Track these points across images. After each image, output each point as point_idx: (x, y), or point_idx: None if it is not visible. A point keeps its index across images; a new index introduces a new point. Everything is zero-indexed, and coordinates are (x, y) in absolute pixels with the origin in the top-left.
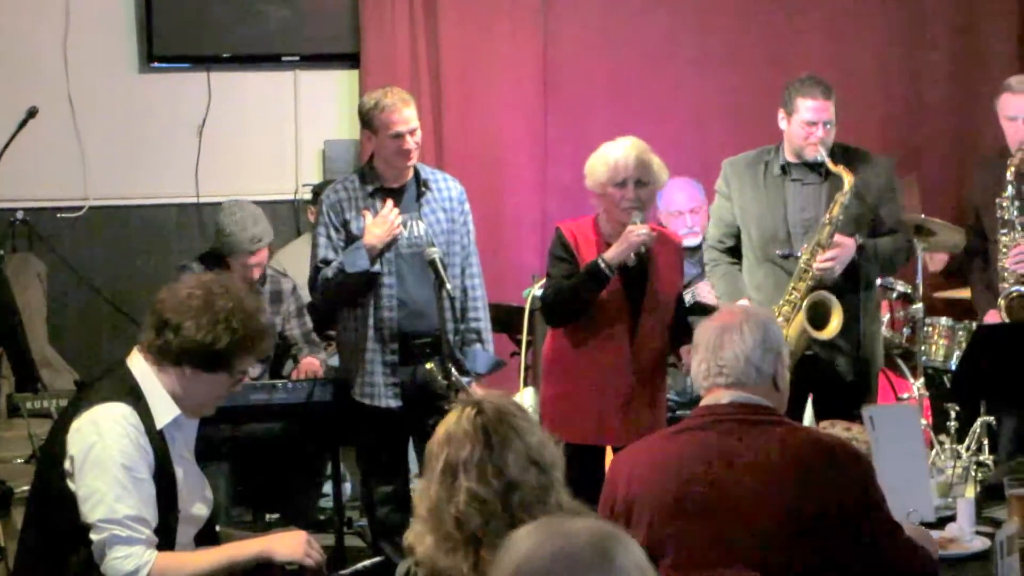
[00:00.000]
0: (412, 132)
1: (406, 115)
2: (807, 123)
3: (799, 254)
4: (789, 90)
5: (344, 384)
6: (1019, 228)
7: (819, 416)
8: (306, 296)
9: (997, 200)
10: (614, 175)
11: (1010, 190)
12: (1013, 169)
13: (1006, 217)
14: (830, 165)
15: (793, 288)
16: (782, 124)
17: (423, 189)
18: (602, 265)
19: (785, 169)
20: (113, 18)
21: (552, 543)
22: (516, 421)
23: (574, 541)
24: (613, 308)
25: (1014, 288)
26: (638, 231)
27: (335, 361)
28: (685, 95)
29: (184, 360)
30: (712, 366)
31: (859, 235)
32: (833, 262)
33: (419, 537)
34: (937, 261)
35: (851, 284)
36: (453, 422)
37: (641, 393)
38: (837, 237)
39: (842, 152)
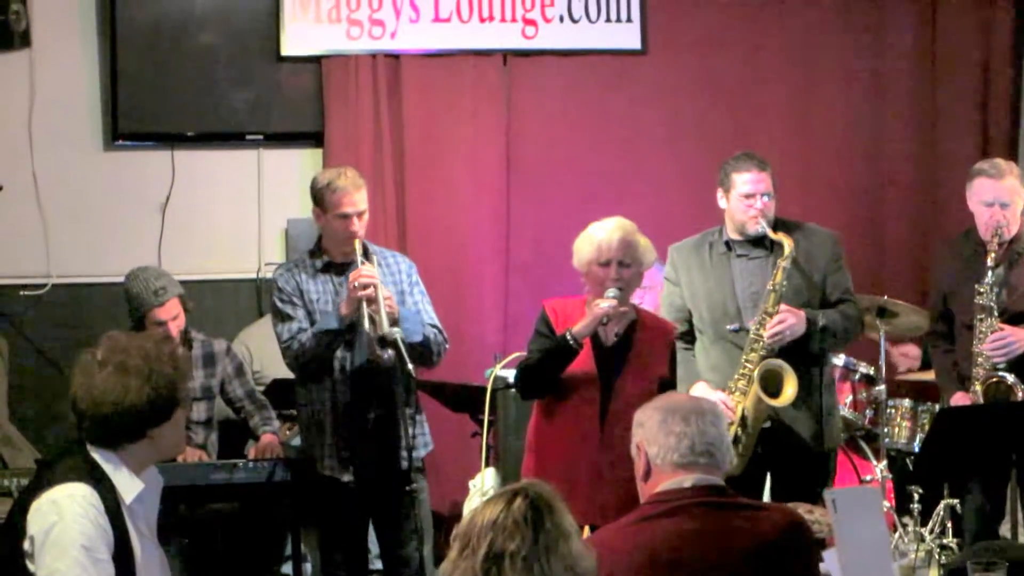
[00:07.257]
0: (360, 215)
1: (356, 199)
2: (745, 196)
3: (749, 327)
4: (725, 168)
5: (304, 463)
6: (996, 314)
7: (776, 495)
8: (243, 356)
9: (976, 286)
10: (598, 255)
11: (990, 276)
12: (993, 255)
13: (982, 303)
14: (770, 233)
15: (746, 360)
16: (721, 203)
17: (364, 258)
18: (568, 338)
19: (729, 246)
20: (78, 96)
21: None
22: (564, 523)
23: None
24: (585, 388)
25: (996, 372)
26: (602, 303)
27: (297, 441)
28: (648, 173)
29: (145, 429)
30: (698, 444)
31: (809, 310)
32: (783, 327)
33: None
34: (908, 359)
35: (804, 359)
36: (501, 509)
37: (610, 474)
38: (784, 307)
39: (783, 226)
